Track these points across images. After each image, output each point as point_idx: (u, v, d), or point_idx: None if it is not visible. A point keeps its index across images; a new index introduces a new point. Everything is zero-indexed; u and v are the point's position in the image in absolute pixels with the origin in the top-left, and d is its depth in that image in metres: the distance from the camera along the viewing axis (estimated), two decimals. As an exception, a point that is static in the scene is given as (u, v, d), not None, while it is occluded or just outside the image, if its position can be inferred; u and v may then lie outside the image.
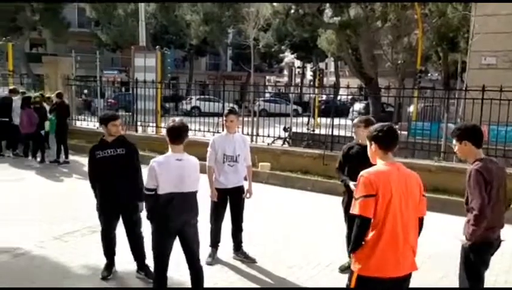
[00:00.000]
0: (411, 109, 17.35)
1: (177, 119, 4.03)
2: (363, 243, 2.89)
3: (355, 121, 5.03)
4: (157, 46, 14.99)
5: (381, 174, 2.89)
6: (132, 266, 4.78)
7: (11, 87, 12.32)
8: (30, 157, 11.20)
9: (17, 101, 11.42)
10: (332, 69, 39.45)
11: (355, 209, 2.87)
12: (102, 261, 5.10)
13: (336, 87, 27.36)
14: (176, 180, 3.77)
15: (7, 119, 11.14)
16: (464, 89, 10.40)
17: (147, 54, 14.20)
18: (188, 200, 3.87)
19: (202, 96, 28.59)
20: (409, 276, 2.97)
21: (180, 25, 34.12)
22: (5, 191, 8.17)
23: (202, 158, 10.37)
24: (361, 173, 2.91)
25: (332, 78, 38.09)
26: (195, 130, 11.73)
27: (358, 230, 2.90)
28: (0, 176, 9.39)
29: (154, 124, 12.93)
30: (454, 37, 22.28)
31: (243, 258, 5.31)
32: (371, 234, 2.87)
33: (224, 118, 5.23)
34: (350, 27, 19.26)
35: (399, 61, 22.36)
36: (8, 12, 31.06)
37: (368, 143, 3.08)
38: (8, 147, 11.59)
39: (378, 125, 3.06)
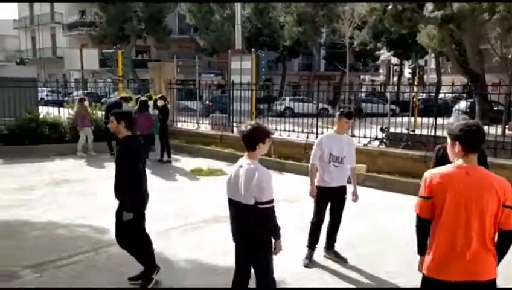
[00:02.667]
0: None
1: (251, 123, 3.58)
2: (425, 243, 2.88)
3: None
4: (253, 49, 15.31)
5: (443, 177, 2.75)
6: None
7: (122, 94, 13.22)
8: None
9: (125, 107, 12.33)
10: (432, 66, 37.31)
11: (415, 207, 2.88)
12: (203, 256, 5.33)
13: (438, 85, 25.86)
14: (232, 186, 3.50)
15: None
16: None
17: (243, 56, 14.57)
18: (240, 213, 3.45)
19: (295, 97, 28.70)
20: (485, 283, 2.72)
21: (274, 26, 34.52)
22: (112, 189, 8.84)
23: (297, 159, 10.32)
24: (426, 172, 2.84)
25: (433, 76, 36.02)
26: (289, 131, 11.80)
27: (416, 229, 2.92)
28: (110, 174, 10.19)
29: (250, 125, 13.19)
30: None
31: (334, 257, 5.27)
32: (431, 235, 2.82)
33: (338, 119, 5.17)
34: (454, 21, 18.05)
35: (509, 56, 20.53)
36: (117, 22, 33.82)
37: (448, 140, 2.88)
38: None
39: (463, 123, 2.82)
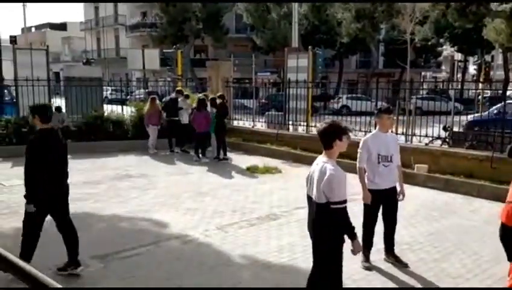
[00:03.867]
0: None
1: (327, 120, 3.62)
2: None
3: None
4: (309, 47, 15.19)
5: None
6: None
7: (178, 88, 13.61)
8: (201, 155, 11.71)
9: (180, 102, 12.67)
10: (500, 61, 35.31)
11: (502, 215, 2.47)
12: (259, 252, 5.37)
13: (505, 81, 24.42)
14: (309, 183, 3.57)
15: (177, 119, 12.41)
16: None
17: (300, 54, 14.49)
18: (313, 210, 3.51)
19: (352, 95, 28.17)
20: None
21: (331, 23, 34.03)
22: (175, 184, 9.12)
23: (353, 157, 10.20)
24: None
25: (500, 72, 34.08)
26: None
27: (501, 239, 2.55)
28: (170, 170, 10.54)
29: (305, 123, 13.14)
30: None
31: (394, 261, 5.10)
32: None
33: (378, 117, 5.04)
34: (524, 13, 17.00)
35: None
36: (176, 23, 34.75)
37: None
38: (177, 144, 12.91)
39: None
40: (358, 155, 5.07)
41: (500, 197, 7.32)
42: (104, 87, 18.37)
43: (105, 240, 5.84)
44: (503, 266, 4.77)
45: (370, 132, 10.86)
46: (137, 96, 19.60)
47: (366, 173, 5.03)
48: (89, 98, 13.49)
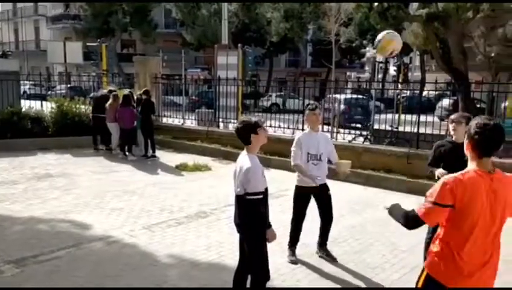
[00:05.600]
0: (506, 105, 16.06)
1: (243, 118, 3.81)
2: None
3: (455, 117, 4.53)
4: (239, 44, 15.27)
5: (468, 184, 2.47)
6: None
7: (111, 88, 12.96)
8: (127, 153, 11.41)
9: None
10: (417, 63, 37.64)
11: (420, 211, 2.57)
12: (186, 251, 5.32)
13: (422, 82, 26.10)
14: (234, 178, 3.69)
15: (104, 116, 11.94)
16: None
17: (230, 52, 14.52)
18: (236, 202, 3.64)
19: (281, 93, 28.73)
20: None
21: (261, 22, 34.48)
22: (99, 183, 8.78)
23: (283, 154, 10.30)
24: (446, 177, 2.55)
25: (418, 73, 36.36)
26: (275, 127, 11.82)
27: (407, 227, 2.69)
28: (93, 168, 10.13)
29: (235, 121, 13.20)
30: (557, 26, 20.24)
31: (324, 255, 5.27)
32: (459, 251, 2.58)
33: (306, 114, 5.17)
34: (438, 19, 18.23)
35: (492, 54, 20.82)
36: (102, 15, 33.45)
37: (465, 141, 2.64)
38: (102, 141, 12.44)
39: (479, 121, 2.53)
40: (292, 154, 5.13)
41: (415, 190, 7.85)
42: (22, 82, 17.27)
43: (22, 243, 5.49)
44: (417, 256, 5.12)
45: (298, 129, 11.24)
46: (59, 92, 18.65)
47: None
48: (5, 93, 12.61)
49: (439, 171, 4.48)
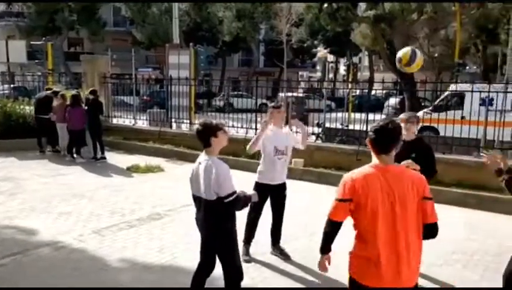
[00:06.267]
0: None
1: (201, 120, 3.74)
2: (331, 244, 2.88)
3: (409, 117, 4.60)
4: (191, 44, 15.14)
5: (363, 178, 2.66)
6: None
7: (54, 88, 12.52)
8: (75, 155, 11.09)
9: (55, 100, 11.71)
10: (366, 63, 38.78)
11: (328, 213, 2.82)
12: (138, 254, 5.23)
13: (370, 81, 26.93)
14: (194, 183, 3.61)
15: (48, 117, 11.48)
16: (504, 82, 10.04)
17: (181, 51, 14.37)
18: (202, 208, 3.57)
19: (235, 93, 28.76)
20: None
21: (213, 21, 34.34)
22: (46, 187, 8.45)
23: (236, 154, 10.27)
24: (345, 175, 2.75)
25: (367, 73, 37.46)
26: (228, 126, 11.81)
27: (326, 234, 2.92)
28: (40, 171, 9.73)
29: (188, 121, 13.08)
30: (494, 28, 21.50)
31: (278, 253, 5.33)
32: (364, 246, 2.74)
33: (270, 113, 5.21)
34: (385, 20, 18.89)
35: (435, 55, 21.81)
36: (47, 13, 32.14)
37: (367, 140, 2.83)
38: (48, 143, 11.97)
39: (378, 123, 2.75)
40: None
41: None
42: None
43: (-39, 253, 5.20)
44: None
45: (251, 128, 11.29)
46: (1, 92, 17.76)
47: (260, 167, 5.18)
48: None
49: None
